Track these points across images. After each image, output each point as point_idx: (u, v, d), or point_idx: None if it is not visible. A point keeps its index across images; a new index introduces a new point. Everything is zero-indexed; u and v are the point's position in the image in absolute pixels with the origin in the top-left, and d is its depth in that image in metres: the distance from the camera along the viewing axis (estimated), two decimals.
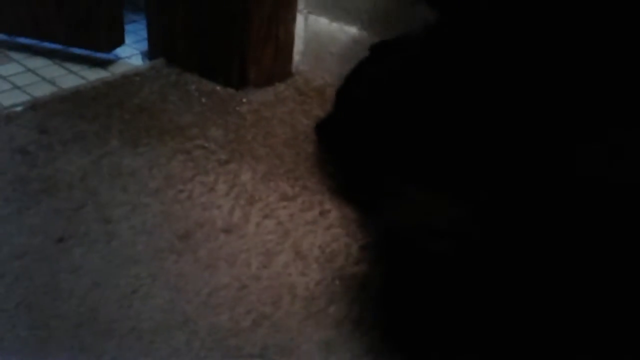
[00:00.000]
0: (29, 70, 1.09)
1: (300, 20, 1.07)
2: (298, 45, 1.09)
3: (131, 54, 1.19)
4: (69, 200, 0.77)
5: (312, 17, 1.06)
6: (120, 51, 1.17)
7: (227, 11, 1.02)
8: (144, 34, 1.21)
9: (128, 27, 1.18)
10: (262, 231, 0.75)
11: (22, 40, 1.16)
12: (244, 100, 1.02)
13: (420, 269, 0.63)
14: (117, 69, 1.12)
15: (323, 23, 1.04)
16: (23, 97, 1.00)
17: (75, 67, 1.11)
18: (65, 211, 0.75)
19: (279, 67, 1.08)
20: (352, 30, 1.00)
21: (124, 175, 0.82)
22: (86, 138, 0.89)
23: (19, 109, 0.95)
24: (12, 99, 0.99)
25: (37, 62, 1.12)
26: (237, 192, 0.81)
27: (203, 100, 1.01)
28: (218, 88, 1.05)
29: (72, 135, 0.89)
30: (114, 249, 0.70)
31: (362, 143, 0.78)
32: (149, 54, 1.16)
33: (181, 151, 0.88)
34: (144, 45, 1.19)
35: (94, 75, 1.09)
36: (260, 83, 1.06)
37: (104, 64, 1.14)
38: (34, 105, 0.95)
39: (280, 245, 0.73)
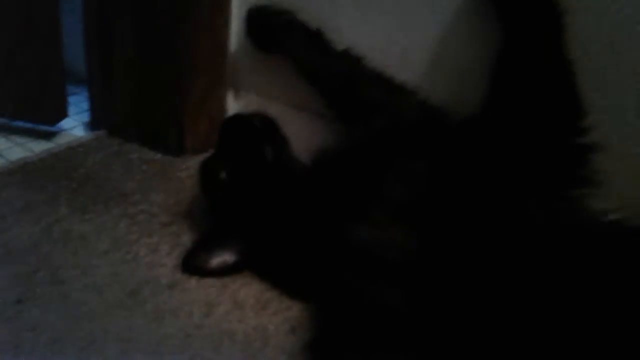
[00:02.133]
0: None
1: (230, 94, 1.20)
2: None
3: (73, 125, 1.28)
4: (24, 265, 0.84)
5: (241, 92, 1.19)
6: (63, 123, 1.25)
7: (165, 87, 1.13)
8: (84, 105, 1.30)
9: (69, 100, 1.26)
10: (203, 285, 0.85)
11: None
12: (183, 166, 1.12)
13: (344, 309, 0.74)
14: (61, 140, 1.21)
15: (251, 97, 1.17)
16: None
17: (20, 140, 1.19)
18: (21, 275, 0.82)
19: (213, 135, 1.19)
20: (276, 104, 1.13)
21: (74, 240, 0.91)
22: (36, 207, 0.97)
23: None
24: None
25: None
26: (179, 251, 0.90)
27: (144, 167, 1.11)
28: (158, 156, 1.15)
29: (23, 205, 0.96)
30: (69, 308, 0.78)
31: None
32: (91, 126, 1.25)
33: (126, 216, 0.97)
34: (86, 117, 1.29)
35: (39, 147, 1.17)
36: (197, 150, 1.16)
37: (48, 136, 1.22)
38: None
39: (220, 296, 0.83)
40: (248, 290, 0.85)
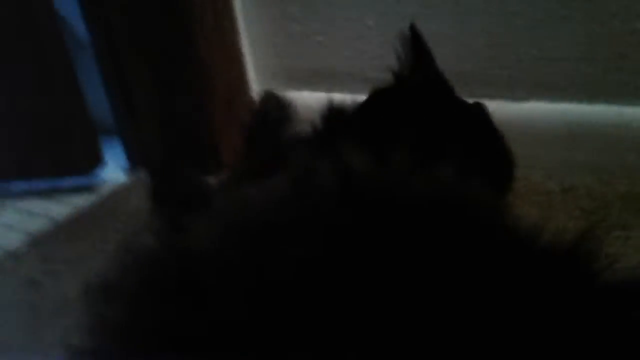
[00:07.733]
0: (22, 210, 1.15)
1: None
2: None
3: (111, 172, 1.25)
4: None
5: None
6: (101, 172, 1.23)
7: (189, 107, 1.11)
8: (114, 152, 1.27)
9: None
10: None
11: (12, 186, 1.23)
12: None
13: None
14: (101, 190, 1.19)
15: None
16: (22, 236, 1.05)
17: (65, 198, 1.18)
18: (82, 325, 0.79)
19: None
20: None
21: None
22: (89, 258, 0.94)
23: (22, 245, 1.00)
24: (13, 238, 1.04)
25: (28, 203, 1.18)
26: None
27: None
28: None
29: (75, 257, 0.94)
30: None
31: None
32: (129, 169, 1.23)
33: None
34: (121, 161, 1.26)
35: (81, 200, 1.15)
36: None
37: (89, 189, 1.20)
38: (35, 241, 1.01)
39: None
40: None
